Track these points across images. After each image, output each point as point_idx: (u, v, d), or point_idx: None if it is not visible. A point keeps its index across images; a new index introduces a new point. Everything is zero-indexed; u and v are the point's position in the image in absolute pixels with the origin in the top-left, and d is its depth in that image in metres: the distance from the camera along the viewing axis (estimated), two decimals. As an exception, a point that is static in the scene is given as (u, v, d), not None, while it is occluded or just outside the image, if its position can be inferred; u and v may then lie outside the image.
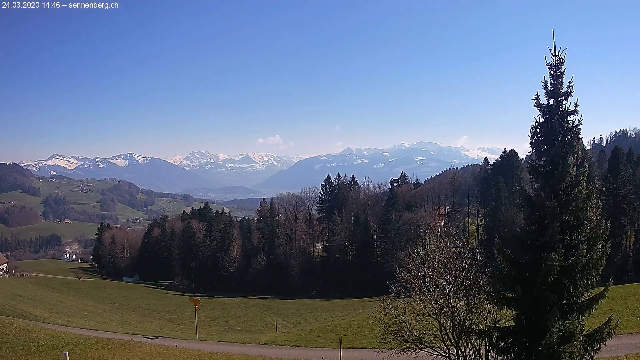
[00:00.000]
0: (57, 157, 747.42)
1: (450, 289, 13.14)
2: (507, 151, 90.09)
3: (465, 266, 13.33)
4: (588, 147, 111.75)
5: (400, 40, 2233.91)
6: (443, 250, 13.78)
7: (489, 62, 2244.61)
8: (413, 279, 13.72)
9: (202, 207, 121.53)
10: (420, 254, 14.26)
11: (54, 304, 54.88)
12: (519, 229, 11.34)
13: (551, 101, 10.68)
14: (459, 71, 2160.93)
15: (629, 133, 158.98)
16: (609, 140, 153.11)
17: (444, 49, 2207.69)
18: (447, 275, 13.31)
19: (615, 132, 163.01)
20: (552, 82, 10.65)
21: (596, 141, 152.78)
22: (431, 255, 13.92)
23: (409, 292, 13.88)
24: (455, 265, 13.31)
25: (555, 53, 10.65)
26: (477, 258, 13.56)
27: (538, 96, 10.74)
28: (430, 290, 13.33)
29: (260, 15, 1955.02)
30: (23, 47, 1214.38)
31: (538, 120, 10.76)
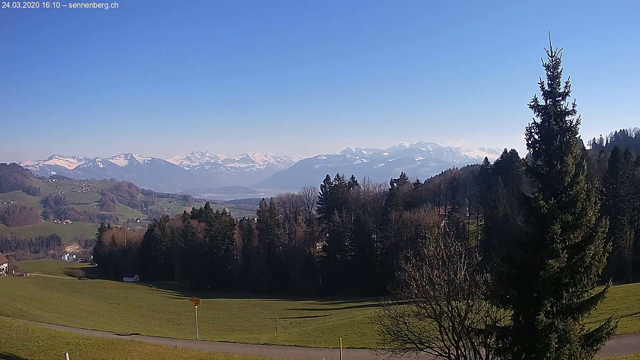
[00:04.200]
0: (57, 157, 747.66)
1: (449, 289, 13.17)
2: (508, 151, 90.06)
3: (463, 267, 13.35)
4: (588, 147, 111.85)
5: (401, 41, 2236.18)
6: (440, 251, 13.81)
7: (490, 61, 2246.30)
8: (411, 280, 13.75)
9: (202, 207, 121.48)
10: (418, 255, 14.30)
11: (54, 304, 54.92)
12: (518, 230, 11.37)
13: (548, 102, 10.70)
14: (459, 71, 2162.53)
15: (629, 133, 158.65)
16: (609, 141, 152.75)
17: (445, 49, 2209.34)
18: (444, 275, 13.34)
19: (616, 132, 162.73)
20: (549, 82, 10.67)
21: (596, 141, 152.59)
22: (429, 257, 13.95)
23: (408, 293, 13.91)
24: (452, 266, 13.34)
25: (551, 54, 10.65)
26: (475, 258, 13.59)
27: (535, 98, 10.76)
28: (429, 292, 13.35)
29: (260, 15, 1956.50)
30: (23, 47, 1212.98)
31: (535, 121, 10.78)
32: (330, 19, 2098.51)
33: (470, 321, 12.83)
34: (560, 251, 9.92)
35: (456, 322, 12.95)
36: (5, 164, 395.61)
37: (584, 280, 10.24)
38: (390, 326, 13.91)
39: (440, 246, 14.00)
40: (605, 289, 10.64)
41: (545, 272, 9.85)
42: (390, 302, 14.86)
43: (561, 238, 10.14)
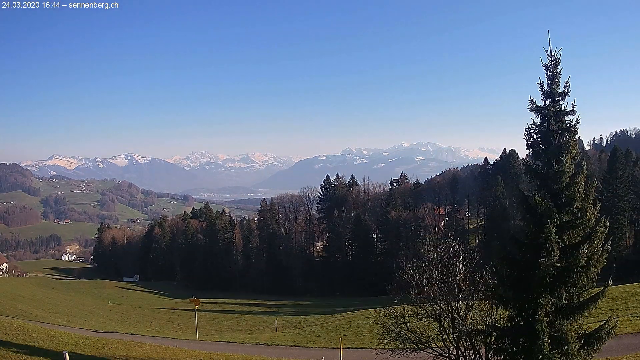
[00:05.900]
0: (57, 157, 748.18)
1: (448, 289, 13.18)
2: (507, 151, 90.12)
3: (462, 267, 13.37)
4: (588, 147, 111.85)
5: (403, 41, 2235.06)
6: (439, 252, 13.82)
7: (490, 62, 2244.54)
8: (411, 280, 13.76)
9: (202, 207, 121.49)
10: (418, 255, 14.34)
11: (54, 304, 54.88)
12: (517, 230, 11.37)
13: (547, 102, 10.69)
14: (460, 72, 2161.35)
15: (629, 133, 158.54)
16: (609, 141, 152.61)
17: (446, 50, 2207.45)
18: (444, 275, 13.35)
19: (616, 132, 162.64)
20: (549, 82, 10.67)
21: (596, 141, 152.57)
22: (428, 257, 13.97)
23: (408, 293, 13.92)
24: (451, 267, 13.35)
25: (551, 53, 10.64)
26: (474, 258, 13.61)
27: (533, 99, 10.75)
28: (428, 292, 13.37)
29: (260, 13, 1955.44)
30: (23, 47, 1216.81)
31: (535, 121, 10.77)
32: (332, 17, 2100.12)
33: (470, 321, 12.85)
34: (555, 250, 9.91)
35: (456, 322, 12.96)
36: (5, 164, 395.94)
37: (583, 280, 10.23)
38: (390, 326, 13.92)
39: (439, 246, 14.03)
40: (604, 288, 10.64)
41: (539, 271, 9.84)
42: (390, 302, 14.88)
43: (557, 237, 10.13)
